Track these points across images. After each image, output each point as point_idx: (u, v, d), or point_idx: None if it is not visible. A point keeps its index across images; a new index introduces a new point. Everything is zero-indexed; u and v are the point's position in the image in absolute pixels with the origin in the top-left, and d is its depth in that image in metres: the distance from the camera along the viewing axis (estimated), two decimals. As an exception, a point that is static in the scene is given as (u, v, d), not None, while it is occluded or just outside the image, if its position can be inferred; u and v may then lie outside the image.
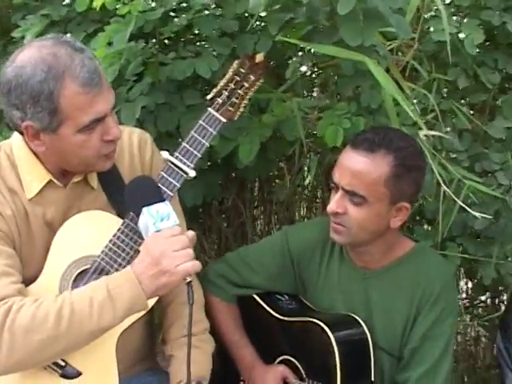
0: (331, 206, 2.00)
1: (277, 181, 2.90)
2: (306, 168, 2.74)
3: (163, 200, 1.80)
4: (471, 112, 2.61)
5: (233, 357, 2.20)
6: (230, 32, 2.43)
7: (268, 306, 2.22)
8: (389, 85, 1.99)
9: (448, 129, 2.45)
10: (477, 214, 2.14)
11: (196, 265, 1.74)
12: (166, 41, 2.45)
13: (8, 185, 1.86)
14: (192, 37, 2.44)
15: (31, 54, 1.75)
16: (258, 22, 2.50)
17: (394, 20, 2.04)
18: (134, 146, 2.04)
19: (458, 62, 2.49)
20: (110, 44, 2.20)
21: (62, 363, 1.81)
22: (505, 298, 2.88)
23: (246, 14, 2.48)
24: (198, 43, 2.46)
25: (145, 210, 1.77)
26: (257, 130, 2.37)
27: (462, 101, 2.63)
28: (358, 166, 1.95)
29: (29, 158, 1.88)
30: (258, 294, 2.25)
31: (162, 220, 1.76)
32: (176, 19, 2.35)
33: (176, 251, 1.72)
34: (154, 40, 2.37)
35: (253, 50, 2.38)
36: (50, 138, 1.79)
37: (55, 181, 1.89)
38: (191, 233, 1.81)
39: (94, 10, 2.32)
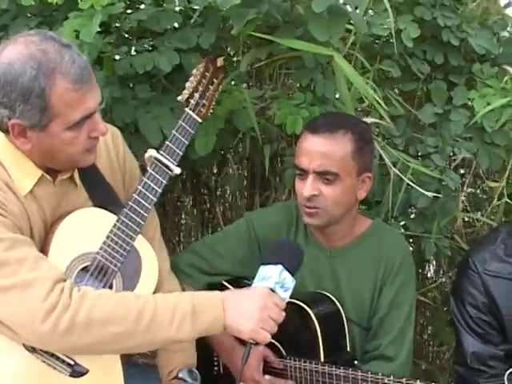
0: (307, 190, 2.13)
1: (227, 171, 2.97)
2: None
3: (293, 276, 1.86)
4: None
5: (210, 342, 2.27)
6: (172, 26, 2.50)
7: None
8: (356, 77, 2.14)
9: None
10: (428, 194, 2.35)
11: (268, 339, 1.80)
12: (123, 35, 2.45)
13: (6, 183, 1.83)
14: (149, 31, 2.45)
15: (18, 51, 1.73)
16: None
17: (354, 16, 2.18)
18: (108, 140, 2.06)
19: (390, 53, 2.68)
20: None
21: (71, 362, 1.82)
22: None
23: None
24: (150, 38, 2.48)
25: (280, 267, 1.83)
26: (211, 121, 2.44)
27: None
28: (325, 148, 2.11)
29: (17, 156, 1.85)
30: (227, 281, 2.34)
31: (281, 287, 1.82)
32: (132, 15, 2.36)
33: (270, 318, 1.78)
34: (110, 34, 2.37)
35: (196, 44, 2.46)
36: (37, 135, 1.78)
37: (47, 176, 1.88)
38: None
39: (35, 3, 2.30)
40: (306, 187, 2.14)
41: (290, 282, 1.84)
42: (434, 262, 3.13)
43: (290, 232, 2.33)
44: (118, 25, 2.35)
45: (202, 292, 1.86)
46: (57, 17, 2.53)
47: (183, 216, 3.23)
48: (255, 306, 1.77)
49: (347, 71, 2.15)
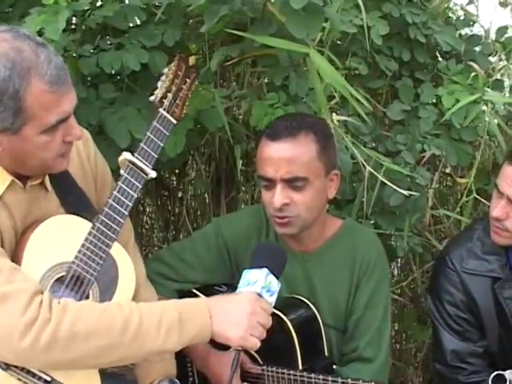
0: (278, 200, 2.04)
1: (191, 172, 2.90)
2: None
3: (278, 279, 1.80)
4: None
5: (184, 349, 2.20)
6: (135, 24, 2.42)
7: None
8: (333, 74, 2.10)
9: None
10: (403, 192, 2.33)
11: (257, 346, 1.75)
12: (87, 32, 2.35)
13: None
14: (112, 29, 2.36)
15: None
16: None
17: (329, 13, 2.14)
18: (78, 143, 1.96)
19: (357, 50, 2.66)
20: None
21: (48, 378, 1.72)
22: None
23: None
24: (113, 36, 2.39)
25: (266, 271, 1.77)
26: (179, 122, 2.37)
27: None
28: (289, 153, 2.03)
29: None
30: (197, 289, 2.26)
31: (268, 291, 1.77)
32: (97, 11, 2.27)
33: (259, 324, 1.73)
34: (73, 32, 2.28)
35: (160, 41, 2.39)
36: (9, 139, 1.67)
37: (17, 182, 1.78)
38: None
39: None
40: (275, 197, 2.05)
41: (275, 285, 1.79)
42: (399, 260, 3.13)
43: (261, 237, 2.26)
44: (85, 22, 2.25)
45: (186, 299, 1.79)
46: (14, 13, 2.42)
47: (145, 219, 3.15)
48: (244, 312, 1.71)
49: (325, 68, 2.10)
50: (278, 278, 1.80)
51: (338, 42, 2.79)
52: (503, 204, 2.14)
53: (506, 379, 1.86)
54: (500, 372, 1.92)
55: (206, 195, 2.90)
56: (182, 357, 2.21)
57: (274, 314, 2.05)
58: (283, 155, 2.03)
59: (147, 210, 3.10)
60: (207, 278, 2.25)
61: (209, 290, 2.24)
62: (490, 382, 1.88)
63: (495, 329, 2.28)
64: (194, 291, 2.26)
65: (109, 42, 2.34)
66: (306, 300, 2.19)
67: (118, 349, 1.65)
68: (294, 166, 2.03)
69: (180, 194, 3.04)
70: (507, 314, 2.25)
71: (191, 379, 2.30)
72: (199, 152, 2.78)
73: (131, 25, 2.45)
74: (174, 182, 3.02)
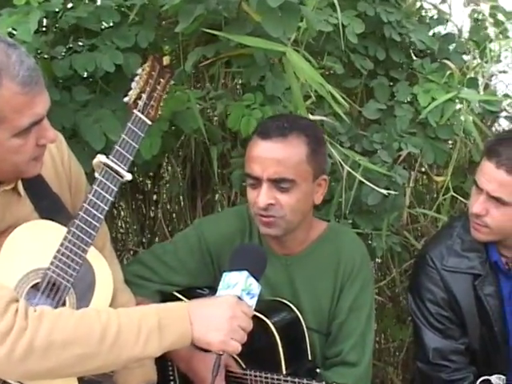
0: (262, 200, 2.01)
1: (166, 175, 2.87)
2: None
3: (258, 281, 1.77)
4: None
5: (166, 353, 2.15)
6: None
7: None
8: (312, 73, 2.09)
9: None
10: (382, 191, 2.32)
11: (238, 350, 1.71)
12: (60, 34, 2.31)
13: None
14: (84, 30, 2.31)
15: None
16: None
17: (305, 12, 2.12)
18: (51, 147, 1.91)
19: (332, 50, 2.65)
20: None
21: (26, 389, 1.68)
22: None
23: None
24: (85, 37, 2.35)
25: (245, 273, 1.74)
26: (154, 123, 2.33)
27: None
28: (278, 154, 2.00)
29: None
30: (179, 292, 2.22)
31: (248, 294, 1.74)
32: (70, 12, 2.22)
33: (240, 327, 1.70)
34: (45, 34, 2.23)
35: (134, 42, 2.36)
36: None
37: None
38: None
39: None
40: (260, 197, 2.02)
41: (255, 288, 1.76)
42: (377, 259, 3.12)
43: (244, 239, 2.22)
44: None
45: (166, 304, 1.75)
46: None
47: (120, 223, 3.10)
48: (224, 316, 1.68)
49: (303, 67, 2.08)
50: (258, 281, 1.77)
51: (313, 42, 2.78)
52: (482, 200, 2.14)
53: (492, 384, 1.87)
54: (487, 377, 1.91)
55: (181, 198, 2.85)
56: (163, 360, 2.18)
57: (257, 317, 2.03)
58: (272, 155, 2.00)
59: (122, 213, 3.06)
60: (190, 281, 2.21)
61: (191, 293, 2.20)
62: None
63: (476, 326, 2.28)
64: (176, 294, 2.22)
65: (82, 44, 2.30)
66: (289, 303, 2.16)
67: (96, 357, 1.61)
68: (282, 166, 2.00)
69: (155, 198, 3.00)
70: (488, 311, 2.25)
71: (172, 383, 2.26)
72: (174, 154, 2.74)
73: (105, 26, 2.42)
74: (149, 185, 2.98)
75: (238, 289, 1.72)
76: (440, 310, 2.26)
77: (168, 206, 2.96)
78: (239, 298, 1.72)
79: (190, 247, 2.20)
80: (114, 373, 1.95)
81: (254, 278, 1.75)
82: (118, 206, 3.06)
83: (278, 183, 2.01)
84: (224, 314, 1.68)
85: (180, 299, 2.21)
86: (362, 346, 2.15)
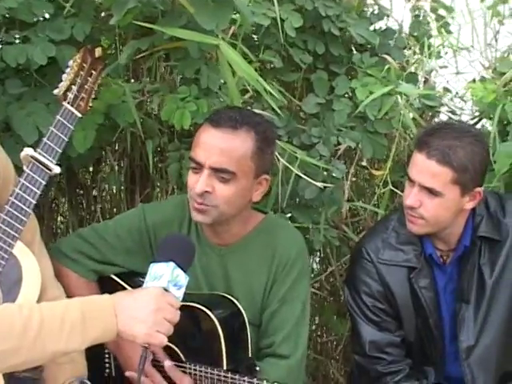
0: (200, 186, 2.01)
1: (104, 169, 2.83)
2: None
3: (186, 272, 1.74)
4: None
5: (108, 347, 2.16)
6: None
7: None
8: (244, 66, 2.08)
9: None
10: (318, 184, 2.32)
11: (164, 342, 1.69)
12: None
13: None
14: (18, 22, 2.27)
15: None
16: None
17: (240, 5, 2.11)
18: None
19: (271, 44, 2.64)
20: None
21: None
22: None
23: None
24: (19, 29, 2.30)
25: (172, 264, 1.71)
26: (88, 116, 2.30)
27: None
28: (224, 144, 2.01)
29: None
30: (119, 276, 2.22)
31: (175, 285, 1.71)
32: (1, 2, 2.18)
33: (165, 319, 1.67)
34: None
35: (70, 35, 2.32)
36: None
37: None
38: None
39: None
40: (199, 183, 2.02)
41: (183, 279, 1.74)
42: (319, 253, 3.13)
43: (182, 229, 2.22)
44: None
45: (91, 297, 1.73)
46: None
47: (59, 218, 3.06)
48: (149, 308, 1.66)
49: (235, 60, 2.07)
50: (185, 272, 1.75)
51: (254, 36, 2.77)
52: (415, 191, 2.15)
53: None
54: None
55: (120, 192, 2.82)
56: (100, 349, 2.16)
57: (200, 311, 2.05)
58: (218, 144, 2.01)
59: (61, 208, 3.01)
60: (127, 262, 2.21)
61: (132, 280, 2.19)
62: None
63: (412, 318, 2.29)
64: (115, 278, 2.22)
65: (14, 36, 2.26)
66: (231, 298, 2.15)
67: (18, 353, 1.57)
68: (226, 157, 2.00)
69: (95, 193, 2.96)
70: (423, 303, 2.26)
71: (108, 371, 2.26)
72: (112, 148, 2.71)
73: (40, 18, 2.37)
74: (89, 180, 2.94)
75: (165, 280, 1.70)
76: (376, 303, 2.27)
77: (107, 201, 2.92)
78: (165, 289, 1.70)
79: (129, 226, 2.21)
80: (44, 368, 1.93)
81: (182, 268, 1.73)
82: (57, 201, 3.02)
83: (218, 173, 2.01)
84: (149, 306, 1.66)
85: (119, 284, 2.20)
86: (295, 338, 2.15)
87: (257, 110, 2.51)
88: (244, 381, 1.95)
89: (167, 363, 2.06)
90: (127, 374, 2.10)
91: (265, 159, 2.08)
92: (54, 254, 2.13)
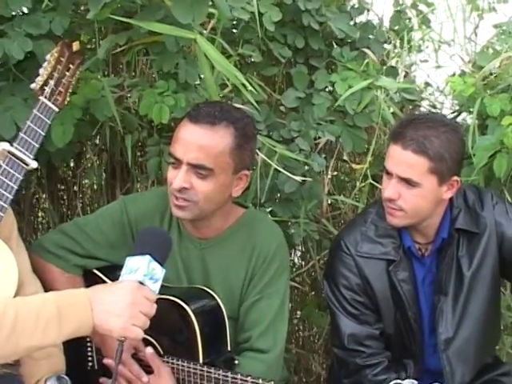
0: (178, 182, 2.02)
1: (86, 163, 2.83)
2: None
3: (162, 265, 1.74)
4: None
5: (94, 340, 2.17)
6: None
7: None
8: (221, 60, 2.08)
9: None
10: (296, 178, 2.32)
11: (141, 335, 1.69)
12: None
13: None
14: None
15: None
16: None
17: (216, -1, 2.11)
18: None
19: (250, 38, 2.64)
20: None
21: None
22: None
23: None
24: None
25: (148, 258, 1.70)
26: (67, 111, 2.30)
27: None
28: (203, 140, 2.00)
29: None
30: (100, 270, 2.22)
31: (151, 279, 1.70)
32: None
33: (141, 313, 1.67)
34: None
35: (48, 29, 2.31)
36: None
37: None
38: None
39: None
40: (176, 179, 2.02)
41: (159, 272, 1.74)
42: (300, 247, 3.13)
43: (164, 221, 2.22)
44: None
45: (67, 291, 1.73)
46: None
47: (40, 213, 3.05)
48: (124, 302, 1.67)
49: (212, 54, 2.07)
50: (162, 265, 1.75)
51: (234, 30, 2.77)
52: (393, 183, 2.16)
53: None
54: (398, 381, 1.93)
55: (101, 187, 2.82)
56: (82, 342, 2.18)
57: (177, 304, 2.05)
58: (196, 140, 2.00)
59: (42, 204, 3.00)
60: (110, 255, 2.21)
61: (114, 274, 2.13)
62: None
63: (391, 311, 2.31)
64: (97, 273, 2.22)
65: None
66: (210, 291, 2.15)
67: None
68: (204, 153, 2.00)
69: (75, 187, 2.95)
70: (402, 296, 2.28)
71: (91, 364, 2.25)
72: (92, 143, 2.71)
73: (19, 12, 2.36)
74: (69, 175, 2.94)
75: (140, 274, 1.70)
76: (355, 296, 2.28)
77: (88, 196, 2.92)
78: (141, 282, 1.70)
79: (111, 219, 2.21)
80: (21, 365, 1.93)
81: (158, 262, 1.73)
82: (38, 197, 3.01)
83: (196, 169, 2.01)
84: (125, 299, 1.66)
85: (101, 279, 2.20)
86: (274, 333, 2.16)
87: (237, 105, 2.51)
88: (219, 374, 1.96)
89: (149, 350, 2.06)
90: (105, 361, 2.11)
91: (244, 155, 2.07)
92: (36, 251, 2.14)
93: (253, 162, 2.18)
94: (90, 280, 2.20)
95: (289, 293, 2.26)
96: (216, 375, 1.97)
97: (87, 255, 2.20)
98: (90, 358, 2.25)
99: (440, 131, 2.14)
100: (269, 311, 2.16)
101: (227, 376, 1.96)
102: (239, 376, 1.94)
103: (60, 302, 1.64)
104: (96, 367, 2.24)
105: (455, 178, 2.19)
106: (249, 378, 1.94)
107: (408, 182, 2.14)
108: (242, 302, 2.19)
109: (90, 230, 2.20)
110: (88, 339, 2.20)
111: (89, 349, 2.24)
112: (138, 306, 1.67)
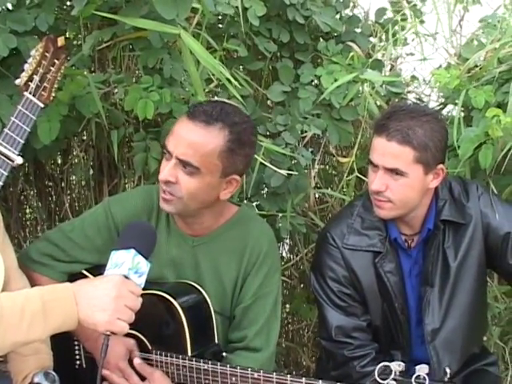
0: (164, 174, 2.03)
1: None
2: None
3: (147, 259, 1.74)
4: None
5: (74, 333, 2.14)
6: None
7: None
8: (205, 55, 2.09)
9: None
10: (282, 172, 2.33)
11: (126, 329, 1.69)
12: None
13: None
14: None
15: None
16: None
17: (200, -6, 2.11)
18: None
19: (236, 32, 2.65)
20: None
21: None
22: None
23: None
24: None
25: (133, 252, 1.70)
26: (53, 107, 2.30)
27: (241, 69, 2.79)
28: (193, 137, 2.00)
29: None
30: (87, 270, 2.21)
31: (136, 273, 1.70)
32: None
33: (126, 307, 1.67)
34: None
35: (33, 26, 2.31)
36: None
37: None
38: None
39: None
40: (163, 171, 2.04)
41: (144, 266, 1.74)
42: (288, 241, 3.14)
43: (152, 218, 2.21)
44: None
45: (51, 286, 1.73)
46: None
47: (28, 210, 3.05)
48: (109, 296, 1.67)
49: (196, 49, 2.08)
50: (147, 259, 1.75)
51: (219, 25, 2.77)
52: (380, 175, 2.17)
53: (391, 370, 1.89)
54: (386, 363, 1.94)
55: (89, 183, 2.82)
56: (69, 340, 2.18)
57: (164, 299, 2.06)
58: (188, 136, 2.01)
59: (30, 200, 3.00)
60: (97, 259, 2.19)
61: (100, 271, 2.17)
62: (376, 373, 1.89)
63: (378, 303, 2.32)
64: (85, 272, 2.21)
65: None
66: (197, 286, 2.16)
67: None
68: (192, 151, 2.00)
69: (63, 184, 2.95)
70: (388, 288, 2.29)
71: (78, 362, 2.26)
72: (79, 139, 2.71)
73: (3, 9, 2.36)
74: (57, 171, 2.94)
75: (125, 268, 1.70)
76: (342, 288, 2.30)
77: (75, 192, 2.92)
78: (126, 276, 1.70)
79: (97, 224, 2.20)
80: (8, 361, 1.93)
81: (143, 255, 1.74)
82: (26, 193, 3.01)
83: (183, 164, 2.02)
84: (109, 293, 1.67)
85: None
86: (267, 332, 2.18)
87: (222, 99, 2.52)
88: (208, 366, 1.98)
89: (136, 361, 2.09)
90: (104, 372, 2.09)
91: (235, 160, 2.05)
92: (23, 261, 2.14)
93: (247, 168, 2.17)
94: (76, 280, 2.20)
95: (280, 291, 2.27)
96: (204, 366, 1.99)
97: (73, 261, 2.20)
98: (77, 357, 2.26)
99: (422, 121, 2.16)
100: (263, 312, 2.18)
101: (216, 366, 1.97)
102: (227, 366, 1.96)
103: (45, 297, 1.64)
104: (84, 365, 2.25)
105: (440, 166, 2.21)
106: (238, 368, 1.97)
107: (395, 173, 2.15)
108: (235, 301, 2.20)
109: (75, 236, 2.19)
110: (75, 337, 2.21)
111: (76, 347, 2.25)
112: (123, 300, 1.67)
